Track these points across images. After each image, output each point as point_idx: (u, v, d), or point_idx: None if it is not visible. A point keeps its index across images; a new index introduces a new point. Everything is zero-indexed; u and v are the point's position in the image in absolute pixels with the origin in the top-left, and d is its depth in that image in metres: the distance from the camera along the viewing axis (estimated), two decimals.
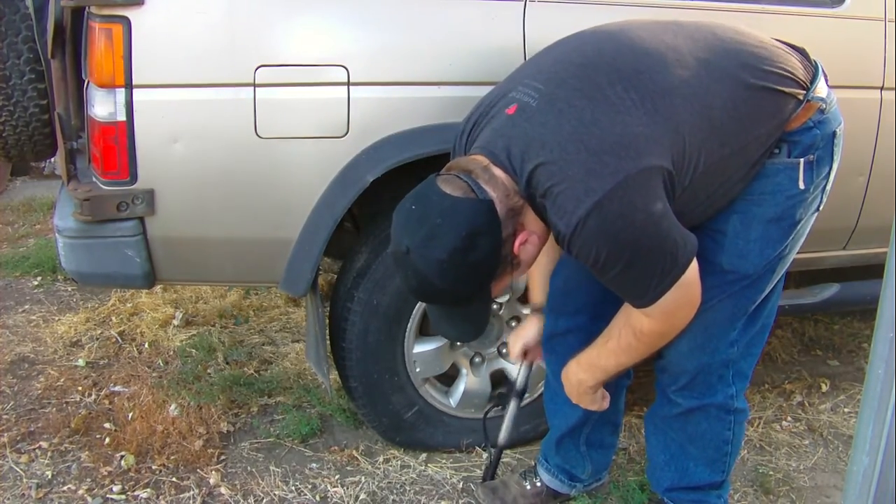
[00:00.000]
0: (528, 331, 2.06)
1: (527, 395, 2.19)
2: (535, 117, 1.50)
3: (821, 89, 1.67)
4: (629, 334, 1.64)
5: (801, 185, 1.66)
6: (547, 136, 1.47)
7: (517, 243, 1.52)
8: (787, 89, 1.62)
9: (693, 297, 1.60)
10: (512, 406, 2.16)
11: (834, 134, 1.69)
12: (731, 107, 1.57)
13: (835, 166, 1.72)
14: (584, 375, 1.78)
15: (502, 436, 2.19)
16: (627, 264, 1.48)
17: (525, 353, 2.08)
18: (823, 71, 1.72)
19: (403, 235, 1.49)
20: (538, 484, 2.17)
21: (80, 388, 2.71)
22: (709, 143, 1.55)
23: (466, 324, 1.63)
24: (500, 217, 1.47)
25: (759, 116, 1.60)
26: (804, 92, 1.64)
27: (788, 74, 1.63)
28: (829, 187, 1.74)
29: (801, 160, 1.65)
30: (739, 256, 1.69)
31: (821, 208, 1.75)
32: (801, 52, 1.72)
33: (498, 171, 1.50)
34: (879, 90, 2.34)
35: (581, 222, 1.43)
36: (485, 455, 2.37)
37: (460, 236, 1.44)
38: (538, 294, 2.02)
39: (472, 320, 1.62)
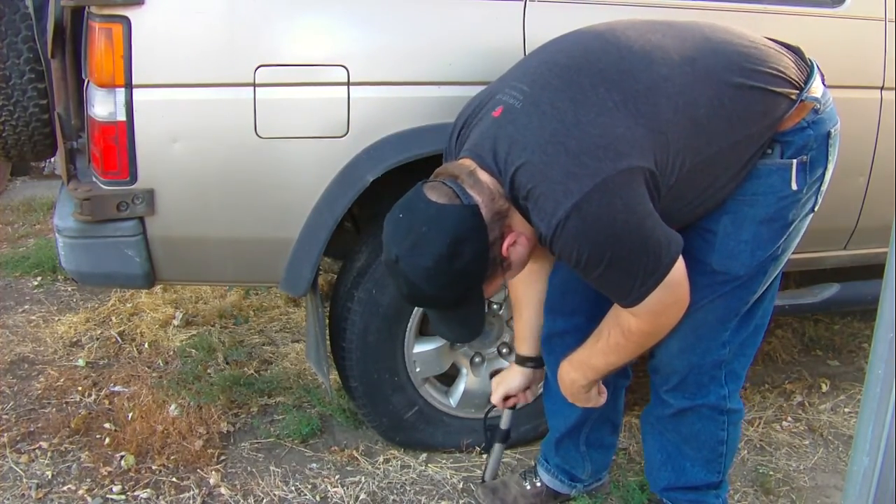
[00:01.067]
0: (511, 380, 2.03)
1: (510, 437, 2.17)
2: (519, 119, 1.51)
3: (815, 89, 1.66)
4: (618, 334, 1.65)
5: (794, 186, 1.65)
6: (529, 137, 1.48)
7: (505, 245, 1.53)
8: (778, 89, 1.61)
9: (680, 297, 1.60)
10: (496, 449, 2.15)
11: (829, 134, 1.68)
12: (718, 105, 1.56)
13: (830, 167, 1.71)
14: (575, 375, 1.78)
15: (487, 475, 2.19)
16: (609, 265, 1.49)
17: (507, 399, 2.05)
18: (820, 71, 1.71)
19: (392, 244, 1.53)
20: (538, 484, 2.17)
21: (80, 388, 2.71)
22: (694, 141, 1.55)
23: (462, 326, 1.65)
24: (486, 221, 1.49)
25: (747, 116, 1.59)
26: (797, 92, 1.63)
27: (780, 74, 1.62)
28: (824, 188, 1.73)
29: (794, 161, 1.64)
30: (730, 257, 1.69)
31: (815, 209, 1.74)
32: (796, 51, 1.72)
33: (484, 175, 1.51)
34: (879, 90, 2.34)
35: (561, 224, 1.44)
36: (485, 455, 2.36)
37: (446, 243, 1.46)
38: (523, 345, 2.01)
39: (467, 322, 1.64)
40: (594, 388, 1.83)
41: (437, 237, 1.47)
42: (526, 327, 1.98)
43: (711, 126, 1.56)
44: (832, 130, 1.69)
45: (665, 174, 1.52)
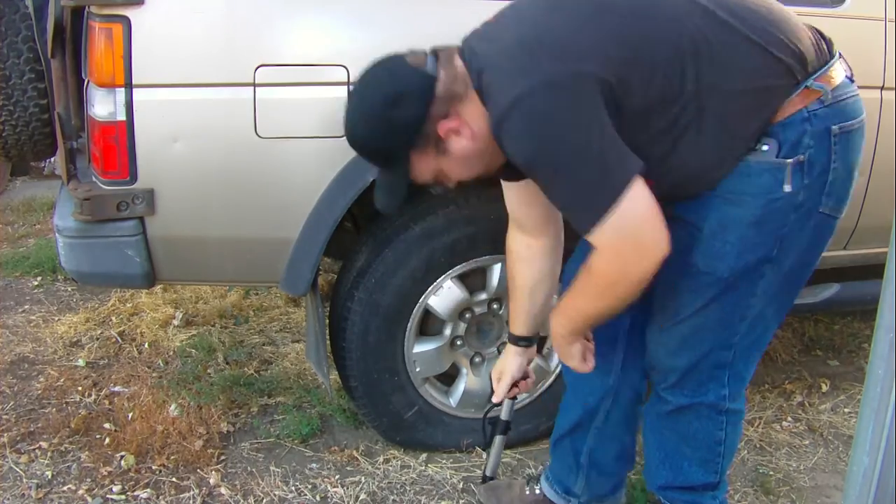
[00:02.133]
0: (510, 366, 1.97)
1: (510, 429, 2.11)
2: (501, 21, 1.58)
3: (828, 79, 1.57)
4: (585, 273, 1.58)
5: (788, 188, 1.57)
6: (502, 35, 1.54)
7: (444, 126, 1.54)
8: (781, 55, 1.52)
9: (641, 239, 1.47)
10: (497, 441, 2.09)
11: (829, 131, 1.57)
12: (702, 39, 1.49)
13: (836, 166, 1.60)
14: (555, 321, 1.72)
15: (489, 469, 2.13)
16: (555, 170, 1.46)
17: (511, 388, 1.99)
18: (847, 65, 1.63)
19: (358, 78, 1.61)
20: (537, 491, 2.14)
21: (80, 388, 2.71)
22: (666, 68, 1.48)
23: (387, 194, 1.65)
24: (437, 95, 1.52)
25: (737, 67, 1.51)
26: (806, 74, 1.55)
27: (789, 44, 1.54)
28: (841, 190, 1.62)
29: (789, 161, 1.56)
30: (715, 258, 1.63)
31: (832, 213, 1.63)
32: (822, 36, 1.63)
33: (458, 62, 1.56)
34: (879, 90, 2.34)
35: (505, 115, 1.45)
36: (484, 455, 2.36)
37: (390, 91, 1.53)
38: (516, 324, 1.96)
39: (390, 190, 1.64)
40: (577, 345, 1.74)
41: (387, 83, 1.54)
42: (519, 307, 1.95)
43: (698, 59, 1.49)
44: (834, 127, 1.57)
45: (628, 94, 1.47)
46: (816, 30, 1.65)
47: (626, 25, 1.50)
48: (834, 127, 1.58)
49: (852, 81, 1.63)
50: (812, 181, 1.59)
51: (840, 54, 1.64)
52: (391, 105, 1.52)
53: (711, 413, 1.82)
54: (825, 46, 1.62)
